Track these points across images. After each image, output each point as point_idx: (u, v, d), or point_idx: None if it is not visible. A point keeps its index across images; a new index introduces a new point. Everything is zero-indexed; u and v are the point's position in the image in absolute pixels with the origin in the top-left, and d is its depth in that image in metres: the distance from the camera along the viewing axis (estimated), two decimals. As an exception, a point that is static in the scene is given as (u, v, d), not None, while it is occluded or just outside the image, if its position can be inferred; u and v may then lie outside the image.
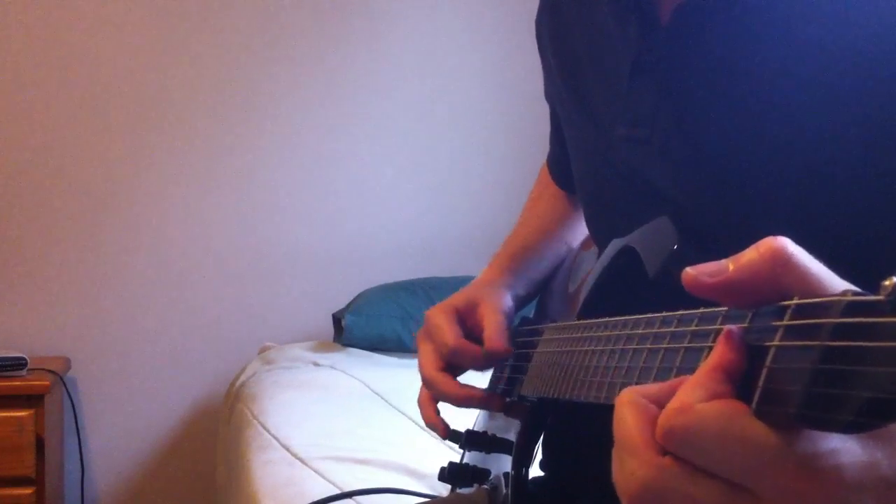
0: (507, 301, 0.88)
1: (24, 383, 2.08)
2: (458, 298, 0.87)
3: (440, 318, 0.84)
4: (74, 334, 2.45)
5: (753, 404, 0.35)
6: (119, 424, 2.49)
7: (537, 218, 0.99)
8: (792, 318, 0.35)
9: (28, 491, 2.06)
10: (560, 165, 0.95)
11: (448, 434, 0.87)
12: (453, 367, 0.84)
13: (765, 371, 0.35)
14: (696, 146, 0.63)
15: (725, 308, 0.41)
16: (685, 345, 0.43)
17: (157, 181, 2.51)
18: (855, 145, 0.54)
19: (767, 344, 0.35)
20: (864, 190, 0.54)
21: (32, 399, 2.08)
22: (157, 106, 2.51)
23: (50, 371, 2.16)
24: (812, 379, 0.32)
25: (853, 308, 0.32)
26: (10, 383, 2.07)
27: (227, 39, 2.55)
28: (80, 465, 2.40)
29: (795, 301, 0.35)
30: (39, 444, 2.08)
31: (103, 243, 2.48)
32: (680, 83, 0.64)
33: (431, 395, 0.87)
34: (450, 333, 0.82)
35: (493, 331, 0.82)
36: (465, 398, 0.81)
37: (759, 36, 0.59)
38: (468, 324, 0.85)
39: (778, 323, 0.35)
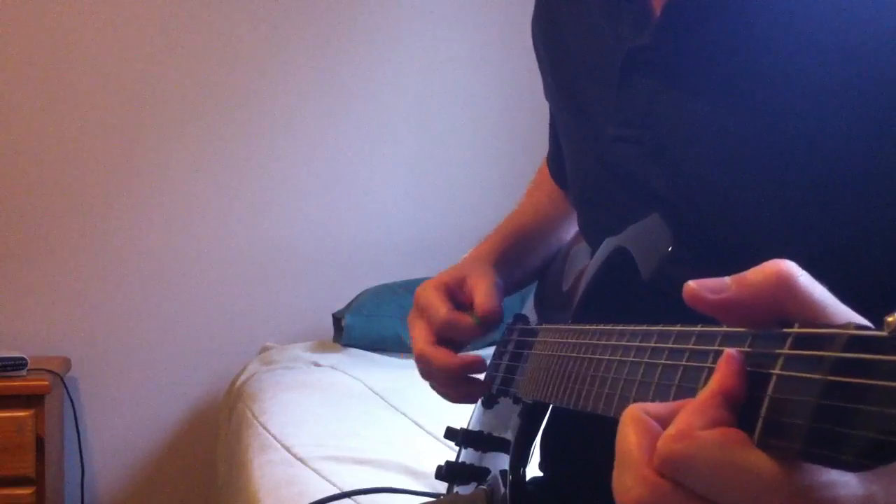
0: (496, 275, 0.87)
1: (24, 383, 2.08)
2: (446, 274, 0.87)
3: (430, 294, 0.84)
4: (74, 334, 2.45)
5: (756, 435, 0.34)
6: (119, 424, 2.49)
7: (533, 205, 0.99)
8: (793, 347, 0.34)
9: (28, 491, 2.06)
10: (558, 164, 0.95)
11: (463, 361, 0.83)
12: (447, 342, 0.83)
13: (767, 400, 0.34)
14: (690, 146, 0.62)
15: (724, 328, 0.40)
16: (683, 363, 0.43)
17: (157, 181, 2.51)
18: (857, 142, 0.53)
19: (769, 371, 0.35)
20: (867, 189, 0.53)
21: (32, 399, 2.08)
22: (157, 107, 2.51)
23: (50, 371, 2.16)
24: (815, 414, 0.32)
25: (855, 343, 0.31)
26: (10, 383, 2.07)
27: (226, 40, 2.55)
28: (80, 465, 2.40)
29: (797, 329, 0.35)
30: (39, 444, 2.08)
31: (103, 244, 2.48)
32: (673, 81, 0.63)
33: (425, 371, 0.85)
34: (441, 306, 0.82)
35: (484, 296, 0.81)
36: (462, 366, 0.80)
37: (756, 31, 0.58)
38: (458, 298, 0.85)
39: (779, 350, 0.35)
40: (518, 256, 0.93)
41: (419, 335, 0.83)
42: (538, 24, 0.85)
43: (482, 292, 0.82)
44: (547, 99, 0.92)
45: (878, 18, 0.52)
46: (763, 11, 0.57)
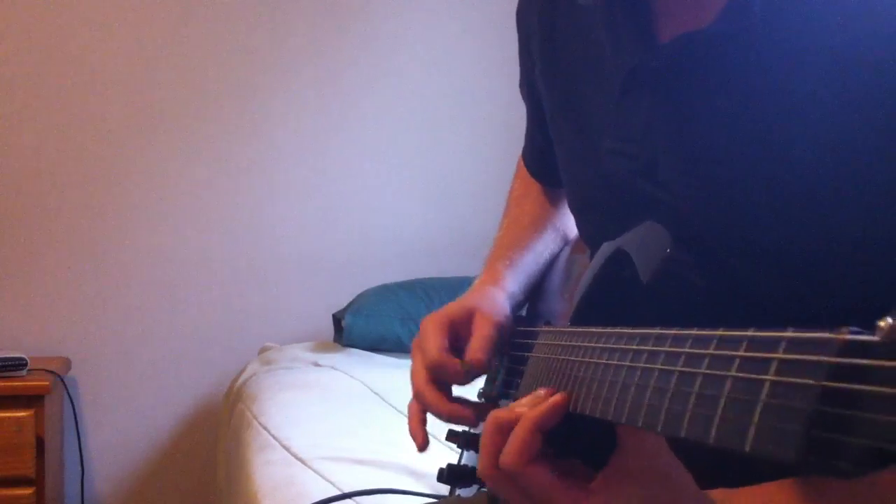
0: (506, 309, 0.85)
1: (24, 383, 2.08)
2: (454, 307, 0.84)
3: (430, 329, 0.81)
4: (74, 334, 2.45)
5: (748, 440, 0.34)
6: (119, 424, 2.49)
7: (528, 216, 0.98)
8: (787, 352, 0.34)
9: (28, 491, 2.06)
10: (539, 160, 0.95)
11: (424, 447, 0.84)
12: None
13: (760, 405, 0.34)
14: (684, 167, 0.62)
15: (720, 331, 0.40)
16: (679, 368, 0.43)
17: (157, 182, 2.51)
18: (855, 165, 0.53)
19: (762, 377, 0.35)
20: (869, 207, 0.53)
21: (32, 399, 2.08)
22: (157, 108, 2.51)
23: (50, 371, 2.16)
24: (811, 421, 0.31)
25: (850, 347, 0.31)
26: (10, 383, 2.07)
27: (224, 42, 2.55)
28: (80, 465, 2.40)
29: (790, 333, 0.35)
30: (39, 444, 2.08)
31: (103, 244, 2.48)
32: (675, 103, 0.63)
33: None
34: (434, 345, 0.79)
35: (477, 344, 0.79)
36: (450, 414, 0.78)
37: (762, 65, 0.58)
38: (462, 333, 0.82)
39: (773, 354, 0.35)
40: (526, 275, 0.92)
41: (415, 370, 0.82)
42: (535, 25, 0.85)
43: (477, 339, 0.79)
44: (521, 91, 0.91)
45: (884, 57, 0.52)
46: (770, 46, 0.57)
